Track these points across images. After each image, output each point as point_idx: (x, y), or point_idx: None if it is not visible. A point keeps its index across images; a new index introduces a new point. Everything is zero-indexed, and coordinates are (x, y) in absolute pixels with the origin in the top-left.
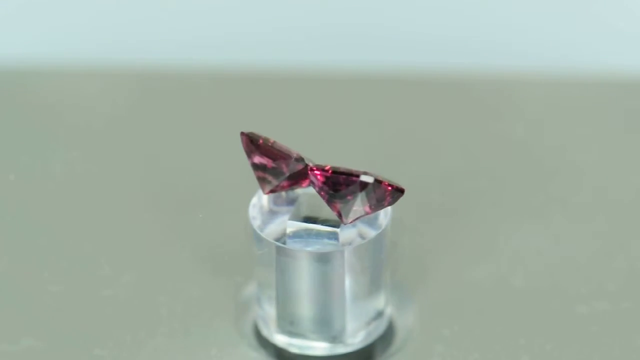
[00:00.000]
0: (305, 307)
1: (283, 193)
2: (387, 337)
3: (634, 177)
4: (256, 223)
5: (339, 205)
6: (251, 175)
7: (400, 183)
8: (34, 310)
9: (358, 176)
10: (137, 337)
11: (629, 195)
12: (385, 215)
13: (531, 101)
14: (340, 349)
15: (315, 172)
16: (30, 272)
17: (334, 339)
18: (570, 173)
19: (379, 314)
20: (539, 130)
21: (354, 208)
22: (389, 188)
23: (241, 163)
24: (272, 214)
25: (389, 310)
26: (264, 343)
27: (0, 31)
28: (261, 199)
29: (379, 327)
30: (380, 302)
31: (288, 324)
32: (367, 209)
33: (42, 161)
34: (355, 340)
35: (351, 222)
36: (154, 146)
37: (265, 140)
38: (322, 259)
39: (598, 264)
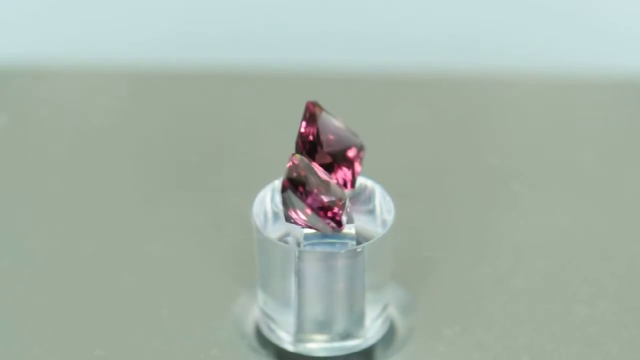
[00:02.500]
0: (267, 292)
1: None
2: (387, 337)
3: (634, 177)
4: (259, 220)
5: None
6: (252, 175)
7: (401, 183)
8: (34, 310)
9: (287, 181)
10: (137, 338)
11: (629, 195)
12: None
13: (531, 101)
14: (278, 343)
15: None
16: (29, 273)
17: (280, 333)
18: (571, 173)
19: (346, 336)
20: (539, 130)
21: (291, 211)
22: (311, 207)
23: (241, 163)
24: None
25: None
26: (265, 343)
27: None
28: (265, 199)
29: (345, 349)
30: (350, 321)
31: (263, 303)
32: (303, 220)
33: (42, 161)
34: (299, 346)
35: (293, 222)
36: (153, 146)
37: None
38: (280, 250)
39: (598, 264)
